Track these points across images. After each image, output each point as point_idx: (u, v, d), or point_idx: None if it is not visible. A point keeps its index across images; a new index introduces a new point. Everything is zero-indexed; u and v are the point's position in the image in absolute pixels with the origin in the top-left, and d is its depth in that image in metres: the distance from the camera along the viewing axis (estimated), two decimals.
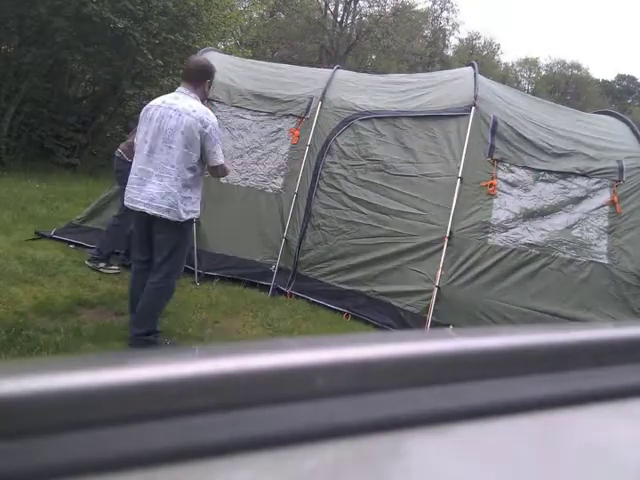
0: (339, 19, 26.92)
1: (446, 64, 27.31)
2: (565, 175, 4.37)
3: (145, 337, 3.16)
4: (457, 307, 4.11)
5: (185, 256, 3.34)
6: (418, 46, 28.76)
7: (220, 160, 3.12)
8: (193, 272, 4.62)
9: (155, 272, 3.15)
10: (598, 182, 4.37)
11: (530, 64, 44.65)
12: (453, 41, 36.62)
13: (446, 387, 0.41)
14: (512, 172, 4.37)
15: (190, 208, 3.10)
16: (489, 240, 4.26)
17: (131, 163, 3.24)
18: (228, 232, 4.79)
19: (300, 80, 5.19)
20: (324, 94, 4.86)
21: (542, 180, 4.37)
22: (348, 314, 4.38)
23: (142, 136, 3.11)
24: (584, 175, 4.37)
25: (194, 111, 3.04)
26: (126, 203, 3.16)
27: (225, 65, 5.18)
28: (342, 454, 0.36)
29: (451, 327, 3.90)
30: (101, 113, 10.60)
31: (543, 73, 45.32)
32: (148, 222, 3.12)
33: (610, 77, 53.29)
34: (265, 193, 4.87)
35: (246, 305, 4.29)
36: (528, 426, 0.41)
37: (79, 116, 10.11)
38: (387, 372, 0.41)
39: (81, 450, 0.32)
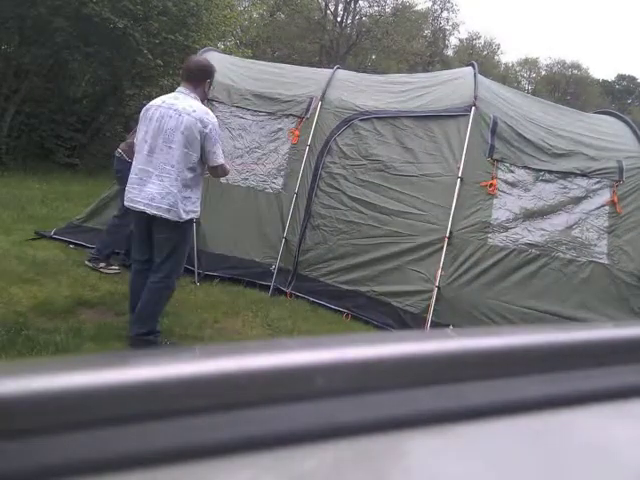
0: (339, 19, 26.91)
1: (446, 64, 27.33)
2: (565, 175, 4.37)
3: (145, 337, 3.16)
4: (457, 307, 4.11)
5: (185, 256, 3.34)
6: (418, 46, 28.72)
7: (220, 160, 3.12)
8: (193, 272, 4.62)
9: (155, 272, 3.15)
10: (598, 182, 4.37)
11: (530, 64, 44.69)
12: (453, 41, 36.73)
13: (446, 387, 0.41)
14: (512, 172, 4.37)
15: (190, 208, 3.10)
16: (489, 240, 4.26)
17: (131, 163, 3.24)
18: (228, 232, 4.78)
19: (300, 80, 5.19)
20: (324, 94, 4.86)
21: (542, 180, 4.37)
22: (348, 314, 4.38)
23: (142, 136, 3.11)
24: (584, 175, 4.37)
25: (194, 111, 3.04)
26: (126, 203, 3.16)
27: (225, 65, 5.17)
28: (342, 454, 0.36)
29: (451, 327, 3.90)
30: (101, 113, 10.60)
31: (543, 73, 45.36)
32: (148, 222, 3.12)
33: (610, 77, 53.32)
34: (265, 193, 4.86)
35: (246, 305, 4.28)
36: (528, 426, 0.41)
37: (79, 116, 10.11)
38: (387, 372, 0.41)
39: (81, 450, 0.32)
